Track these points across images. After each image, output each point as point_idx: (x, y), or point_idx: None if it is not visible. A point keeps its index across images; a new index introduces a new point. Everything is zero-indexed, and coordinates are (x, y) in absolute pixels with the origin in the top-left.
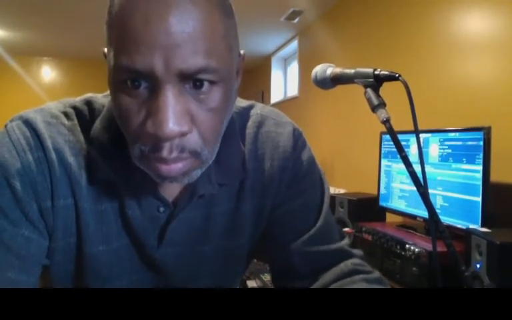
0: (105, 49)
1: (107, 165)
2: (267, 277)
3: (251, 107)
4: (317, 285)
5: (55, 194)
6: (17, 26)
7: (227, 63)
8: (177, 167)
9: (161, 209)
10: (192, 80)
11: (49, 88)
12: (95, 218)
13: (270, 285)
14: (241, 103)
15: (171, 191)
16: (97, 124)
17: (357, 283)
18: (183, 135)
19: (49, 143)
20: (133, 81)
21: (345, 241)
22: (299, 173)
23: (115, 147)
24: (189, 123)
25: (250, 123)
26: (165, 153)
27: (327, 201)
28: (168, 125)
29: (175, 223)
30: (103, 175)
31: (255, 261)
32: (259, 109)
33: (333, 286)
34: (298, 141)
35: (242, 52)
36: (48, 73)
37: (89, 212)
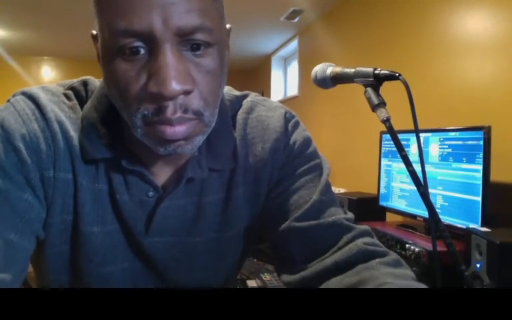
0: (94, 31)
1: (97, 144)
2: (267, 277)
3: (244, 96)
4: (323, 265)
5: (57, 165)
6: (17, 26)
7: (219, 27)
8: (182, 128)
9: (150, 194)
10: (189, 42)
11: None
12: (91, 196)
13: (270, 285)
14: (235, 92)
15: (160, 176)
16: (88, 103)
17: (375, 269)
18: (185, 93)
19: (51, 115)
20: (131, 48)
21: (344, 215)
22: (292, 153)
23: (103, 127)
24: (190, 81)
25: (241, 110)
26: (169, 113)
27: (325, 178)
28: (171, 82)
29: (163, 209)
30: (95, 154)
31: (255, 260)
32: (251, 97)
33: (349, 273)
34: (289, 122)
35: (228, 26)
36: (48, 72)
37: (86, 189)
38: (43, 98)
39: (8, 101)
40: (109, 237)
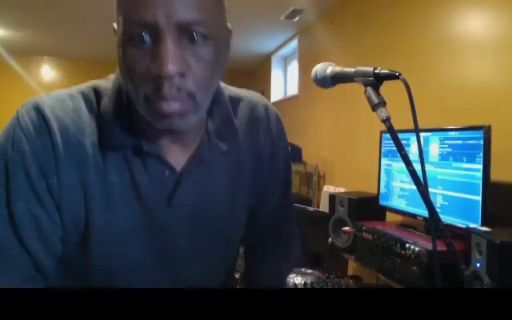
0: (115, 24)
1: (117, 133)
2: None
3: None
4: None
5: (61, 173)
6: (17, 26)
7: (217, 23)
8: (176, 104)
9: (167, 173)
10: (188, 33)
11: (48, 87)
12: (101, 190)
13: None
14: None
15: (175, 159)
16: (105, 100)
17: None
18: (180, 75)
19: (55, 126)
20: (139, 36)
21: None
22: (277, 142)
23: (123, 116)
24: (185, 65)
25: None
26: (165, 90)
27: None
28: (167, 65)
29: (180, 187)
30: (111, 144)
31: None
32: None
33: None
34: (270, 112)
35: (229, 26)
36: (48, 72)
37: (95, 186)
38: (47, 106)
39: (17, 111)
40: (124, 221)
